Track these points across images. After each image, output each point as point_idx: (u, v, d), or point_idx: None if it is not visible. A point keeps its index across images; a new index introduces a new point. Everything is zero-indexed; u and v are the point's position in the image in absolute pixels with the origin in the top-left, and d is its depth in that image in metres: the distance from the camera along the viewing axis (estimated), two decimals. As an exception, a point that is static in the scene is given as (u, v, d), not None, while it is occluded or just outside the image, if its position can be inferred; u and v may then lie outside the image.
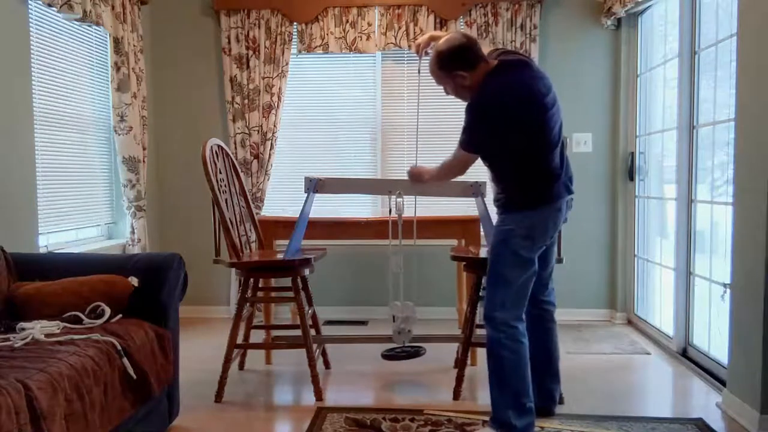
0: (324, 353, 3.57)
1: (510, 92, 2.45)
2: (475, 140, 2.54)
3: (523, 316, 2.56)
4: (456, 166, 2.70)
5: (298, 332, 3.18)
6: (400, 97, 4.77)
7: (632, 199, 4.52)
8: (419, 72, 2.95)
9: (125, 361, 2.21)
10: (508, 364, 2.51)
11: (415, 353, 3.15)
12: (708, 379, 3.27)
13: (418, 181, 2.97)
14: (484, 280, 3.11)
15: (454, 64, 2.51)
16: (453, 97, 2.67)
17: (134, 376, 2.23)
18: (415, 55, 2.89)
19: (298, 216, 3.25)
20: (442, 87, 2.65)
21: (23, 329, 2.21)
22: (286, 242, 3.28)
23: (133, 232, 4.22)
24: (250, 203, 3.68)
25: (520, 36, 4.49)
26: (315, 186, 3.26)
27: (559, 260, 3.07)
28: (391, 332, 3.14)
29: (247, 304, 3.25)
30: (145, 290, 2.55)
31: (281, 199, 4.81)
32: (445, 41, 2.55)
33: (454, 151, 2.66)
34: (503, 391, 2.51)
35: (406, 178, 3.05)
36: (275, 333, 3.67)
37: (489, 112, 2.47)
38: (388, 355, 3.15)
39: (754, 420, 2.63)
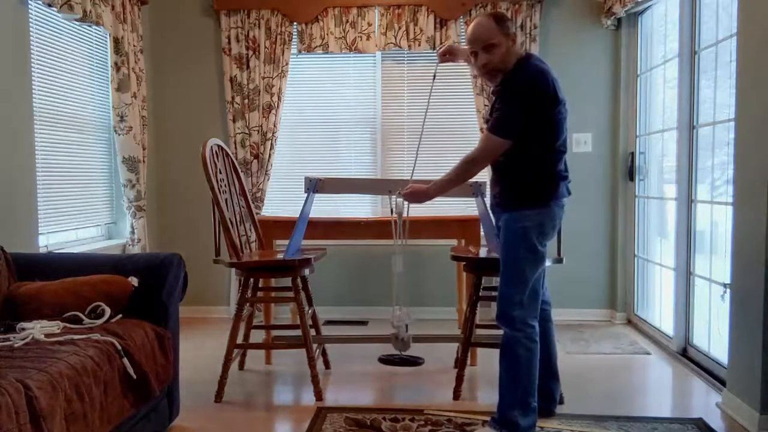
0: (324, 353, 3.57)
1: (551, 78, 2.46)
2: (520, 121, 2.43)
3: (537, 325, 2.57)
4: (483, 157, 2.53)
5: (298, 332, 3.19)
6: (400, 97, 4.77)
7: (632, 199, 4.52)
8: (434, 77, 2.93)
9: (125, 361, 2.21)
10: (523, 363, 2.50)
11: (412, 362, 3.14)
12: (708, 379, 3.27)
13: (423, 200, 2.75)
14: (484, 280, 3.12)
15: (510, 26, 2.55)
16: (476, 72, 2.67)
17: (134, 376, 2.23)
18: (436, 58, 2.87)
19: (298, 216, 3.25)
20: (476, 54, 2.55)
21: (23, 329, 2.21)
22: (286, 242, 3.28)
23: (133, 232, 4.23)
24: (250, 203, 3.68)
25: (520, 36, 4.48)
26: (315, 186, 3.26)
27: (559, 260, 3.07)
28: (390, 336, 3.12)
29: (247, 304, 3.25)
30: (145, 290, 2.55)
31: (281, 199, 4.81)
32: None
33: (478, 144, 2.57)
34: (514, 390, 2.51)
35: (406, 177, 3.04)
36: (275, 333, 3.67)
37: (537, 90, 2.42)
38: (385, 360, 3.15)
39: (754, 420, 2.63)
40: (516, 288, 2.52)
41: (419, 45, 4.55)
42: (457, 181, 2.63)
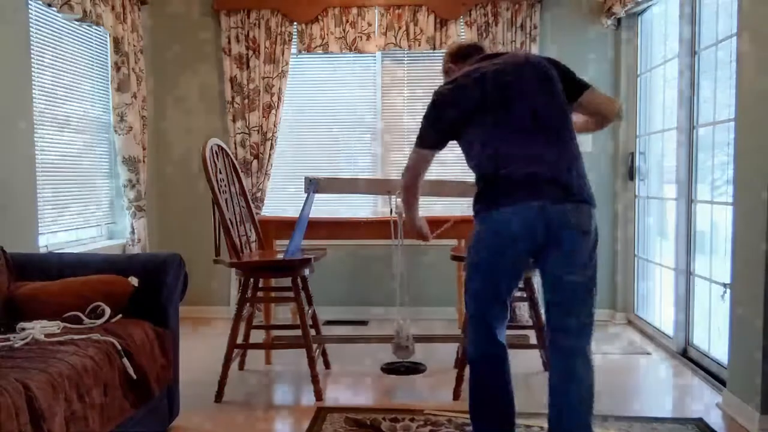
0: (324, 353, 3.56)
1: (463, 77, 2.27)
2: (426, 131, 2.32)
3: (494, 350, 2.22)
4: (410, 167, 2.39)
5: (298, 332, 3.18)
6: (400, 97, 4.77)
7: (632, 199, 4.52)
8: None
9: (125, 361, 2.21)
10: (476, 397, 2.25)
11: (414, 369, 3.13)
12: (708, 379, 3.27)
13: (415, 225, 2.65)
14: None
15: (447, 59, 2.52)
16: None
17: (134, 376, 2.23)
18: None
19: (298, 216, 3.25)
20: None
21: (23, 329, 2.21)
22: (286, 242, 3.28)
23: (133, 232, 4.22)
24: (250, 203, 3.68)
25: (520, 36, 4.49)
26: (315, 186, 3.26)
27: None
28: (392, 342, 3.09)
29: (247, 304, 3.25)
30: (145, 290, 2.55)
31: (281, 199, 4.81)
32: None
33: None
34: (479, 419, 2.25)
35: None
36: (275, 333, 3.67)
37: (439, 96, 2.29)
38: (387, 369, 3.15)
39: (754, 420, 2.63)
40: (468, 308, 2.27)
41: (419, 45, 4.55)
42: (405, 194, 2.51)
